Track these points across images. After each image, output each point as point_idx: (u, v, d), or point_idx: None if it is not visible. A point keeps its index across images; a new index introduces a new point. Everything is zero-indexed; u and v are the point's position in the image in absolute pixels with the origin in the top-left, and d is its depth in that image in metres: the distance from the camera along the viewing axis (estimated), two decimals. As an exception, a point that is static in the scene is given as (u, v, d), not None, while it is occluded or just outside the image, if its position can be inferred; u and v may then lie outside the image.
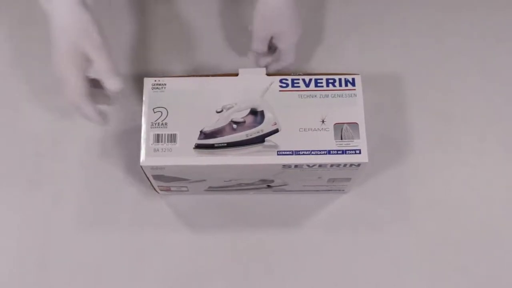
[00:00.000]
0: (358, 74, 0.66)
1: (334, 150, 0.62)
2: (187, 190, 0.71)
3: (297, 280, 0.73)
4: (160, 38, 0.84)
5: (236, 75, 0.65)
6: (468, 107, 0.82)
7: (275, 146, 0.62)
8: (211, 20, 0.85)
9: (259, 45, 0.69)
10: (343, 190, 0.74)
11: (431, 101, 0.82)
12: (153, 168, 0.62)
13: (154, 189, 0.71)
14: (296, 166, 0.62)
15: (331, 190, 0.73)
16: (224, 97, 0.64)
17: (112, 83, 0.57)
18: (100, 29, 0.56)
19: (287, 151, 0.62)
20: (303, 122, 0.63)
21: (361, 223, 0.75)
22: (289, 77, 0.65)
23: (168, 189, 0.71)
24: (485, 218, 0.76)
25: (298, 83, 0.65)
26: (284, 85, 0.65)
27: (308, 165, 0.62)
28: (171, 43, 0.84)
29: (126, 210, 0.75)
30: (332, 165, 0.62)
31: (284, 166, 0.62)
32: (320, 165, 0.62)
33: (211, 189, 0.71)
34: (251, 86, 0.64)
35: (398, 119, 0.80)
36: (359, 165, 0.63)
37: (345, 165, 0.62)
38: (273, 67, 0.72)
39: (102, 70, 0.56)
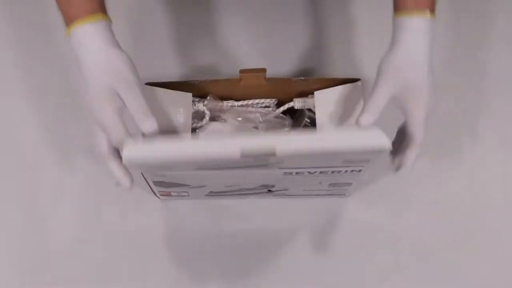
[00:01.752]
0: (359, 79, 0.66)
1: None
2: (188, 195, 0.71)
3: (298, 285, 0.73)
4: (157, 41, 0.84)
5: None
6: (468, 106, 0.82)
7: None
8: (210, 21, 0.85)
9: (380, 99, 0.54)
10: (344, 194, 0.74)
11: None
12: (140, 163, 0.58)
13: (155, 194, 0.71)
14: (297, 173, 0.62)
15: (332, 194, 0.73)
16: None
17: (148, 125, 0.54)
18: (133, 69, 0.55)
19: None
20: None
21: (362, 225, 0.75)
22: None
23: (168, 194, 0.71)
24: (485, 218, 0.76)
25: None
26: None
27: (309, 172, 0.62)
28: (168, 45, 0.83)
29: (126, 214, 0.75)
30: (333, 172, 0.62)
31: (285, 173, 0.61)
32: (321, 172, 0.62)
33: (212, 194, 0.71)
34: None
35: (398, 120, 0.80)
36: (360, 170, 0.63)
37: (346, 171, 0.62)
38: (409, 154, 0.59)
39: (136, 111, 0.54)
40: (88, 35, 0.54)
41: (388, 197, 0.77)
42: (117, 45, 0.55)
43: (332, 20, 0.86)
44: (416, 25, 0.54)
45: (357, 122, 0.55)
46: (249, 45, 0.83)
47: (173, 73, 0.81)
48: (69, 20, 0.54)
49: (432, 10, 0.55)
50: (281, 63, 0.83)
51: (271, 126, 0.67)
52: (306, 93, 0.68)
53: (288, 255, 0.74)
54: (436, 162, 0.78)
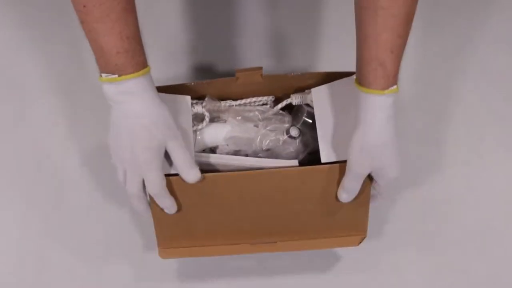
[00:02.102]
0: (354, 72, 0.66)
1: None
2: None
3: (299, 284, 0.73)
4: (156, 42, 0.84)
5: None
6: (468, 107, 0.82)
7: None
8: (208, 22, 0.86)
9: (354, 184, 0.60)
10: None
11: (431, 101, 0.83)
12: None
13: None
14: None
15: None
16: None
17: (192, 176, 0.58)
18: (174, 121, 0.57)
19: None
20: None
21: None
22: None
23: None
24: (485, 218, 0.77)
25: None
26: None
27: None
28: (163, 47, 0.84)
29: (125, 213, 0.75)
30: None
31: None
32: None
33: None
34: None
35: (398, 119, 0.80)
36: None
37: None
38: (375, 203, 0.65)
39: (184, 164, 0.57)
40: (141, 89, 0.54)
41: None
42: (158, 99, 0.57)
43: (326, 17, 0.87)
44: (381, 103, 0.55)
45: (337, 198, 0.62)
46: (244, 46, 0.84)
47: (168, 76, 0.82)
48: (117, 70, 0.53)
49: (395, 83, 0.55)
50: (276, 63, 0.83)
51: (271, 123, 0.67)
52: (303, 89, 0.68)
53: (289, 259, 0.75)
54: (436, 162, 0.79)
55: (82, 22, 0.51)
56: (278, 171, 0.62)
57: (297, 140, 0.66)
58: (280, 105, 0.69)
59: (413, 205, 0.77)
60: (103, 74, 0.53)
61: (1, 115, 0.80)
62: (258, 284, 0.74)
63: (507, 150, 0.80)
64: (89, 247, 0.75)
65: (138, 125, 0.55)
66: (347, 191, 0.60)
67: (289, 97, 0.68)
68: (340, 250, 0.76)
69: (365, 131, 0.56)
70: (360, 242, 0.64)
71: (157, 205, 0.60)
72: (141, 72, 0.54)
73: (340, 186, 0.61)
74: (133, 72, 0.53)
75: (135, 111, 0.55)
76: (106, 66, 0.53)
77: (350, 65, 0.79)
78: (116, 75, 0.53)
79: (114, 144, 0.57)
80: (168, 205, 0.60)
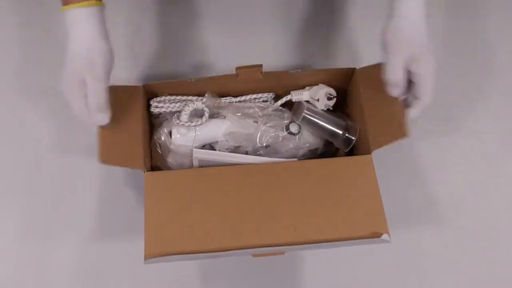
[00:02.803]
0: (355, 68, 0.66)
1: None
2: None
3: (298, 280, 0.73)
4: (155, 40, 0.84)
5: None
6: (468, 106, 0.82)
7: None
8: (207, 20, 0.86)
9: (398, 72, 0.58)
10: None
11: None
12: None
13: None
14: None
15: None
16: None
17: (99, 118, 0.58)
18: (106, 63, 0.58)
19: None
20: None
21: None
22: None
23: None
24: (485, 218, 0.76)
25: None
26: None
27: None
28: (162, 44, 0.84)
29: (125, 212, 0.75)
30: None
31: None
32: None
33: None
34: None
35: None
36: None
37: None
38: (415, 109, 0.62)
39: (92, 104, 0.57)
40: (79, 19, 0.57)
41: (388, 197, 0.75)
42: (104, 35, 0.58)
43: (326, 14, 0.87)
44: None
45: (387, 91, 0.60)
46: (243, 44, 0.84)
47: (169, 72, 0.82)
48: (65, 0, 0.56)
49: None
50: (276, 61, 0.83)
51: (271, 119, 0.67)
52: (303, 86, 0.69)
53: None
54: (436, 162, 0.79)
55: None
56: (279, 164, 0.62)
57: (297, 136, 0.66)
58: (280, 102, 0.69)
59: (413, 205, 0.76)
60: (62, 7, 0.57)
61: (1, 115, 0.80)
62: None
63: (507, 150, 0.80)
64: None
65: (69, 53, 0.57)
66: (394, 85, 0.59)
67: (289, 93, 0.69)
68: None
69: (401, 21, 0.57)
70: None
71: (150, 204, 0.59)
72: (82, 3, 0.56)
73: (386, 85, 0.60)
74: (78, 2, 0.56)
75: (72, 41, 0.57)
76: None
77: (349, 62, 0.81)
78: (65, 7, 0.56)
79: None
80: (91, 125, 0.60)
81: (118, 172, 0.76)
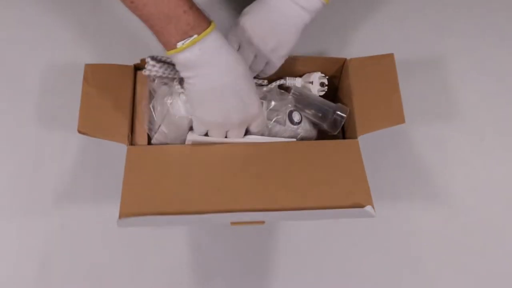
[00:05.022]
0: (345, 58, 0.69)
1: None
2: None
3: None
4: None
5: None
6: (468, 106, 0.82)
7: None
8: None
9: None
10: None
11: (431, 101, 0.83)
12: None
13: None
14: None
15: None
16: None
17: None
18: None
19: None
20: None
21: (361, 223, 0.75)
22: None
23: None
24: (485, 218, 0.76)
25: None
26: None
27: None
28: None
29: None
30: None
31: None
32: None
33: None
34: None
35: None
36: None
37: None
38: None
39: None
40: (221, 40, 0.53)
41: (388, 194, 0.77)
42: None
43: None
44: None
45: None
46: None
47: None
48: (191, 29, 0.51)
49: None
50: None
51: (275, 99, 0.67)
52: (295, 72, 0.71)
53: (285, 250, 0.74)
54: (436, 162, 0.79)
55: (132, 2, 0.50)
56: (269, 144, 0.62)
57: (296, 126, 0.66)
58: (274, 83, 0.69)
59: (413, 205, 0.76)
60: (178, 44, 0.51)
61: (1, 115, 0.80)
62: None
63: (507, 150, 0.80)
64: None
65: (226, 69, 0.54)
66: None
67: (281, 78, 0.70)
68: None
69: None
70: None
71: (130, 171, 0.59)
72: (213, 24, 0.52)
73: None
74: (209, 26, 0.51)
75: (227, 64, 0.53)
76: (177, 32, 0.50)
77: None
78: (195, 35, 0.50)
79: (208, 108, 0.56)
80: None
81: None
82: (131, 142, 0.63)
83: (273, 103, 0.65)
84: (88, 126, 0.60)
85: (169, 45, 0.51)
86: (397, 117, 0.62)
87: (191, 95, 0.56)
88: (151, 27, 0.51)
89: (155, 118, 0.64)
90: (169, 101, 0.61)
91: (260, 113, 0.60)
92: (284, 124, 0.65)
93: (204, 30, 0.51)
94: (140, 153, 0.61)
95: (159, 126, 0.63)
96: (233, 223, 0.59)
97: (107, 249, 0.73)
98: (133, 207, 0.55)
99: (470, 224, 0.75)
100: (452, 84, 0.83)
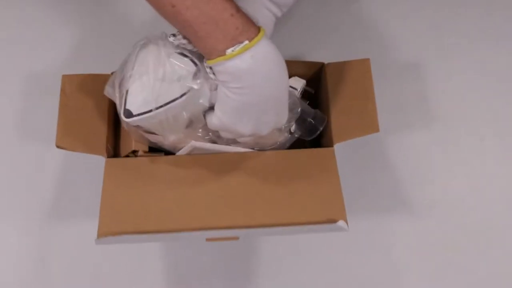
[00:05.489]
0: (323, 62, 0.68)
1: None
2: None
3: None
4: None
5: None
6: (468, 106, 0.82)
7: None
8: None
9: None
10: None
11: (431, 101, 0.83)
12: None
13: None
14: None
15: None
16: None
17: None
18: None
19: None
20: None
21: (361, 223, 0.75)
22: None
23: None
24: (485, 218, 0.76)
25: None
26: None
27: None
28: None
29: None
30: None
31: None
32: None
33: None
34: None
35: (397, 118, 0.81)
36: None
37: None
38: None
39: None
40: (271, 46, 0.49)
41: (388, 195, 0.77)
42: None
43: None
44: None
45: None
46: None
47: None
48: (240, 34, 0.46)
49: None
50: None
51: None
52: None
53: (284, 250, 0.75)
54: (436, 163, 0.79)
55: (173, 6, 0.45)
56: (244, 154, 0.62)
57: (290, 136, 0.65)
58: None
59: (413, 205, 0.76)
60: (228, 50, 0.46)
61: (1, 115, 0.82)
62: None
63: (507, 150, 0.79)
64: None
65: (279, 76, 0.50)
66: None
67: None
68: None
69: None
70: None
71: (108, 186, 0.59)
72: (262, 29, 0.47)
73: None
74: (259, 32, 0.47)
75: (279, 75, 0.49)
76: (225, 38, 0.45)
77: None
78: (246, 41, 0.46)
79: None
80: None
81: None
82: (115, 154, 0.64)
83: None
84: (66, 140, 0.60)
85: (214, 52, 0.46)
86: (372, 126, 0.61)
87: (230, 105, 0.50)
88: (194, 33, 0.46)
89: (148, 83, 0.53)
90: (198, 81, 0.51)
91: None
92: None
93: (254, 35, 0.46)
94: (117, 165, 0.61)
95: (156, 108, 0.53)
96: (208, 239, 0.60)
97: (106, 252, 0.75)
98: (110, 226, 0.56)
99: (470, 224, 0.75)
100: (452, 84, 0.83)
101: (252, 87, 0.48)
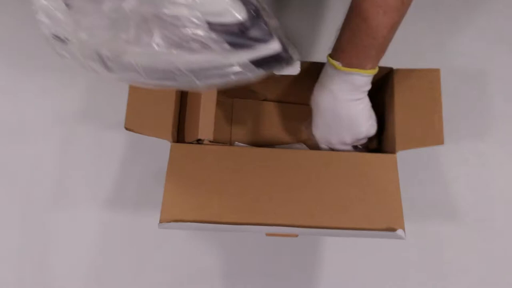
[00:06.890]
0: (391, 67, 0.67)
1: None
2: None
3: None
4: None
5: None
6: (468, 106, 0.83)
7: None
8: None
9: None
10: None
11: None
12: None
13: None
14: None
15: None
16: None
17: None
18: None
19: None
20: None
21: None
22: None
23: None
24: (485, 218, 0.77)
25: None
26: None
27: None
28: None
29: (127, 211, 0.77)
30: None
31: None
32: None
33: None
34: None
35: None
36: None
37: None
38: None
39: None
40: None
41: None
42: None
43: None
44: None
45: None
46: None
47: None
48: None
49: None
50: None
51: None
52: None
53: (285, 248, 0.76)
54: (436, 163, 0.80)
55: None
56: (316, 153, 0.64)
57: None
58: None
59: (413, 206, 0.77)
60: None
61: (2, 115, 0.79)
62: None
63: (507, 150, 0.81)
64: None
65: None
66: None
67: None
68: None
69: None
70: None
71: (173, 171, 0.60)
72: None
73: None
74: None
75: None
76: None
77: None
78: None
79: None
80: None
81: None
82: (179, 139, 0.64)
83: None
84: (135, 122, 0.60)
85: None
86: (437, 138, 0.62)
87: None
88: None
89: None
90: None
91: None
92: None
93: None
94: (182, 151, 0.61)
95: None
96: (268, 234, 0.61)
97: (107, 250, 0.75)
98: (173, 212, 0.58)
99: (470, 225, 0.76)
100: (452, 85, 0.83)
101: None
